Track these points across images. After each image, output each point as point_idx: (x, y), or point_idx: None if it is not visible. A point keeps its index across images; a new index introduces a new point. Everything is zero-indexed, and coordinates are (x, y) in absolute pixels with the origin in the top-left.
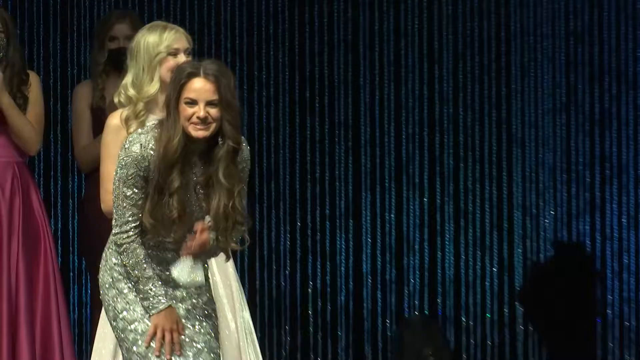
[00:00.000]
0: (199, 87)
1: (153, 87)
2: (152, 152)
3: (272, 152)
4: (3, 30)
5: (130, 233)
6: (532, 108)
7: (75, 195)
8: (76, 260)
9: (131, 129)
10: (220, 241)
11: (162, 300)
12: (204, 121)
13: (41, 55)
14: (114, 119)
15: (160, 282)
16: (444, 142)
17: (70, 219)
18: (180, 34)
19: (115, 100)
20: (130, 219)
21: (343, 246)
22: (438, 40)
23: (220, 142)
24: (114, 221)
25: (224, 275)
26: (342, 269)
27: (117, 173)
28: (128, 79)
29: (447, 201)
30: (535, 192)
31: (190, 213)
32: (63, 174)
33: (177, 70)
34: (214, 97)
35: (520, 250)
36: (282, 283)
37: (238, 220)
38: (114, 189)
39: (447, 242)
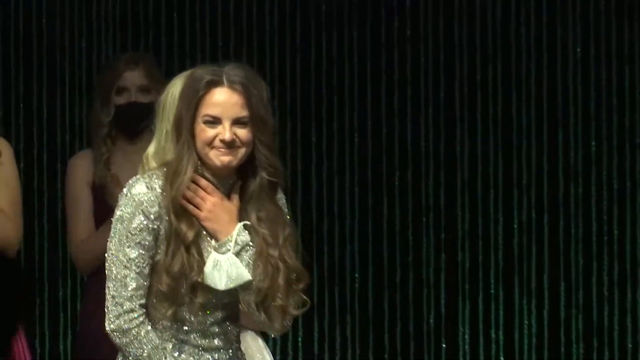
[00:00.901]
0: (223, 100)
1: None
2: (160, 192)
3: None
4: None
5: (137, 313)
6: None
7: (69, 306)
8: None
9: None
10: (267, 309)
11: None
12: (230, 145)
13: (20, 115)
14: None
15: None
16: None
17: (61, 337)
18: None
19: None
20: (134, 293)
21: None
22: None
23: (250, 174)
24: (109, 301)
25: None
26: None
27: (114, 233)
28: (150, 148)
29: None
30: None
31: None
32: (51, 278)
33: (191, 79)
34: (243, 113)
35: None
36: None
37: (291, 278)
38: (109, 255)
39: None
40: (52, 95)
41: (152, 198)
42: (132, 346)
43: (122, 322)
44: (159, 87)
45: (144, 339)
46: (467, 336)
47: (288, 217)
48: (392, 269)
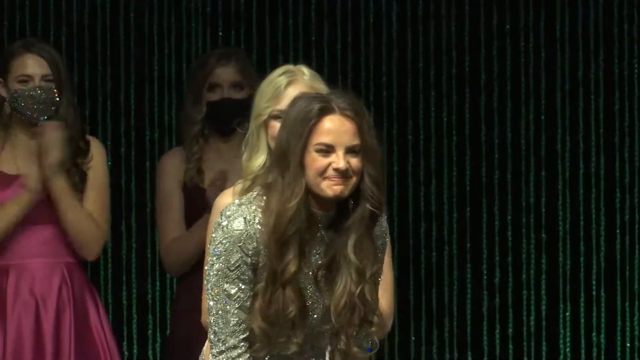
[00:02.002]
0: (336, 127)
1: (257, 160)
2: (259, 228)
3: None
4: (53, 77)
5: (241, 349)
6: None
7: (157, 308)
8: None
9: None
10: (340, 343)
11: None
12: (344, 174)
13: (108, 112)
14: (226, 198)
15: None
16: None
17: (150, 341)
18: (296, 87)
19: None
20: (236, 328)
21: None
22: None
23: (352, 205)
24: (212, 336)
25: None
26: None
27: (211, 266)
28: (246, 146)
29: None
30: None
31: (309, 309)
32: (139, 280)
33: (300, 107)
34: (356, 141)
35: None
36: None
37: (367, 317)
38: (208, 289)
39: None
40: (140, 92)
41: (251, 234)
42: None
43: (226, 359)
44: (251, 83)
45: None
46: (567, 339)
47: (387, 240)
48: (491, 271)
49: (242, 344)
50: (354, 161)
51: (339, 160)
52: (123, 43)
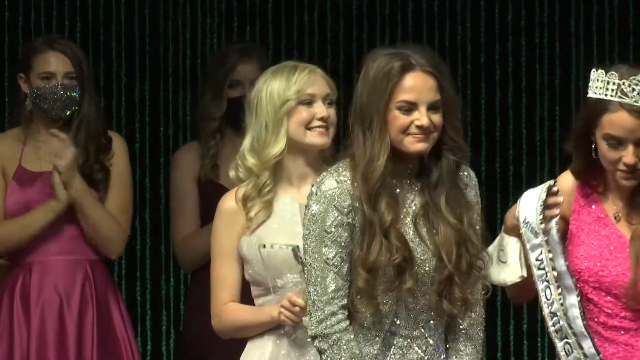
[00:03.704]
0: (419, 84)
1: (276, 146)
2: (350, 184)
3: None
4: (76, 74)
5: (340, 316)
6: None
7: (172, 304)
8: None
9: (252, 213)
10: (451, 301)
11: None
12: (426, 130)
13: (122, 108)
14: (228, 201)
15: None
16: None
17: (163, 337)
18: (316, 76)
19: (232, 174)
20: (334, 294)
21: None
22: None
23: (436, 157)
24: (310, 306)
25: None
26: None
27: (308, 234)
28: (246, 143)
29: None
30: None
31: (416, 259)
32: (153, 276)
33: (380, 64)
34: (437, 97)
35: None
36: None
37: (473, 263)
38: (307, 256)
39: None
40: (155, 87)
41: (344, 191)
42: (331, 351)
43: (324, 327)
44: None
45: (344, 346)
46: None
47: (477, 197)
48: None
49: (341, 311)
50: (436, 117)
51: (422, 117)
52: (138, 39)
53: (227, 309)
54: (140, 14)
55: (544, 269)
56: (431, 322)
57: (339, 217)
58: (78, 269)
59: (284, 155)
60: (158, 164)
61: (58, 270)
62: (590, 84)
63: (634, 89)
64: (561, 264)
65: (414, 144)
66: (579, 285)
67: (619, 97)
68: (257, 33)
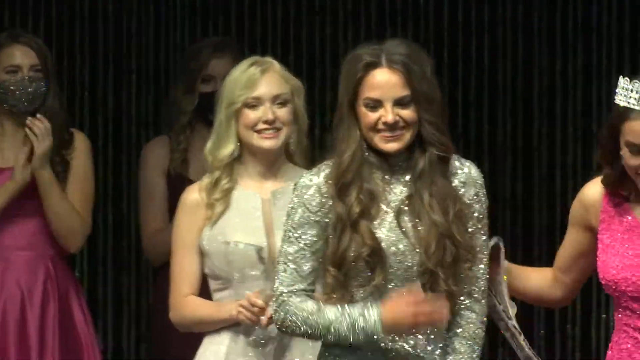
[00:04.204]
0: (383, 81)
1: (227, 148)
2: (324, 180)
3: None
4: (41, 67)
5: (286, 295)
6: None
7: (132, 300)
8: None
9: (212, 203)
10: (440, 283)
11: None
12: (392, 127)
13: (85, 105)
14: (191, 194)
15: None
16: None
17: (125, 334)
18: (270, 75)
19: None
20: (289, 289)
21: None
22: None
23: (418, 152)
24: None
25: None
26: None
27: (285, 227)
28: (210, 138)
29: None
30: None
31: (392, 250)
32: (115, 270)
33: (350, 61)
34: (404, 92)
35: None
36: None
37: (459, 255)
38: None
39: None
40: (118, 84)
41: (316, 189)
42: (287, 321)
43: (277, 306)
44: None
45: (296, 307)
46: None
47: (478, 196)
48: None
49: (288, 294)
50: (405, 113)
51: (387, 114)
52: (102, 35)
53: (186, 302)
54: (103, 9)
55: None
56: None
57: (306, 214)
58: (40, 265)
59: (244, 152)
60: (120, 160)
61: (20, 266)
62: (616, 91)
63: None
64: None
65: (384, 144)
66: (615, 295)
67: None
68: (219, 29)
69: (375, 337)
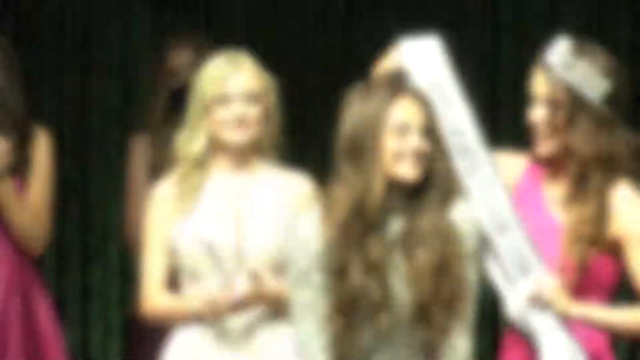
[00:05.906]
0: (412, 107)
1: (196, 144)
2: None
3: None
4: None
5: None
6: None
7: (96, 294)
8: None
9: (187, 204)
10: (433, 320)
11: None
12: (418, 155)
13: (52, 100)
14: (163, 187)
15: None
16: None
17: (91, 328)
18: (238, 72)
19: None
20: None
21: None
22: None
23: (422, 185)
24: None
25: None
26: None
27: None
28: (183, 131)
29: None
30: None
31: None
32: (81, 264)
33: (373, 87)
34: (428, 121)
35: None
36: None
37: (455, 292)
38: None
39: None
40: (84, 79)
41: (315, 236)
42: None
43: None
44: None
45: None
46: None
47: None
48: None
49: None
50: (426, 142)
51: (415, 140)
52: (68, 29)
53: (156, 296)
54: (70, 3)
55: None
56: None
57: (307, 262)
58: (3, 262)
59: (214, 146)
60: (87, 156)
61: None
62: None
63: None
64: None
65: (410, 170)
66: None
67: None
68: (187, 24)
69: None
